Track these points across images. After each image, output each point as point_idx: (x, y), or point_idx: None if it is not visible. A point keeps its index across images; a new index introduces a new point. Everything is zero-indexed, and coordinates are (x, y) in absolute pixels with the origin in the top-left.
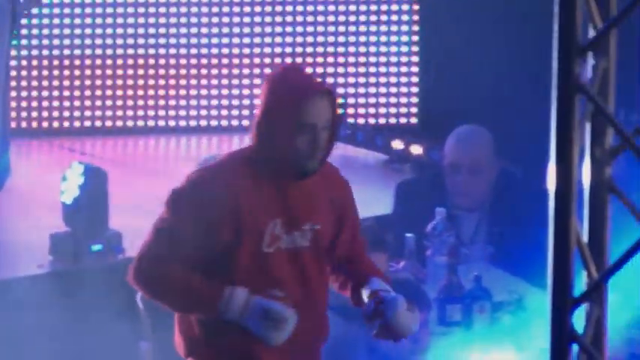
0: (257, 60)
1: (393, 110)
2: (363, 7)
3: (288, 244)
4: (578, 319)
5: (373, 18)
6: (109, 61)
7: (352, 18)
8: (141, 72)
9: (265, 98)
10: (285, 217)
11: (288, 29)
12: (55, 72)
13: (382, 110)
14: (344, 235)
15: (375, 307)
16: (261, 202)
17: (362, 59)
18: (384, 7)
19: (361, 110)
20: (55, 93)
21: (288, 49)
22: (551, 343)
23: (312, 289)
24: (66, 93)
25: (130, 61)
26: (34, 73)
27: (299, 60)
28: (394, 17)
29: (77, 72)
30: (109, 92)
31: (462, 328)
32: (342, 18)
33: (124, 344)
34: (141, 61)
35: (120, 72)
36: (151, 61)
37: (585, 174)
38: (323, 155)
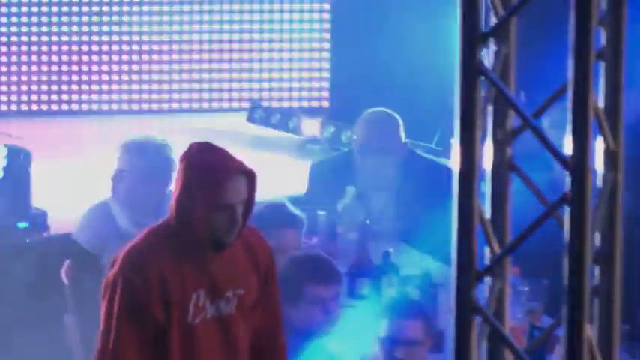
0: (176, 47)
1: (305, 94)
2: None
3: (213, 312)
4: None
5: (286, 5)
6: (34, 47)
7: (266, 6)
8: (65, 58)
9: (183, 178)
10: (207, 287)
11: (206, 17)
12: None
13: (295, 94)
14: (265, 298)
15: None
16: (184, 276)
17: (276, 45)
18: None
19: (275, 94)
20: None
21: (206, 36)
22: (455, 315)
23: (240, 351)
24: None
25: (55, 48)
26: None
27: (216, 44)
28: (306, 5)
29: (3, 58)
30: (34, 77)
31: (372, 301)
32: (256, 6)
33: (48, 318)
34: (65, 48)
35: (45, 57)
36: (74, 48)
37: (487, 154)
38: (240, 228)
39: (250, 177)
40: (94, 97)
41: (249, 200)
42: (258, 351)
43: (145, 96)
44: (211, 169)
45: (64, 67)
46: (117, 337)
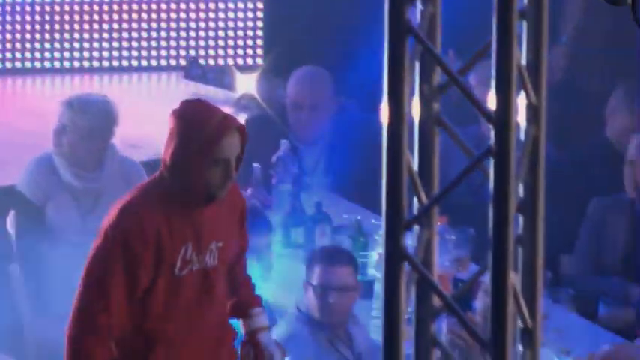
0: (116, 7)
1: (240, 51)
2: None
3: (198, 265)
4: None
5: None
6: None
7: None
8: (18, 18)
9: (179, 134)
10: (194, 240)
11: None
12: None
13: (230, 52)
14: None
15: (255, 356)
16: (174, 230)
17: (212, 5)
18: None
19: (211, 52)
20: None
21: None
22: (385, 263)
23: (220, 302)
24: None
25: (8, 8)
26: None
27: (154, 3)
28: None
29: None
30: None
31: (305, 250)
32: None
33: None
34: (18, 8)
35: None
36: (28, 8)
37: (415, 109)
38: (231, 183)
39: (242, 132)
40: (37, 54)
41: (240, 155)
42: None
43: (86, 54)
44: (208, 125)
45: (18, 27)
46: (108, 285)
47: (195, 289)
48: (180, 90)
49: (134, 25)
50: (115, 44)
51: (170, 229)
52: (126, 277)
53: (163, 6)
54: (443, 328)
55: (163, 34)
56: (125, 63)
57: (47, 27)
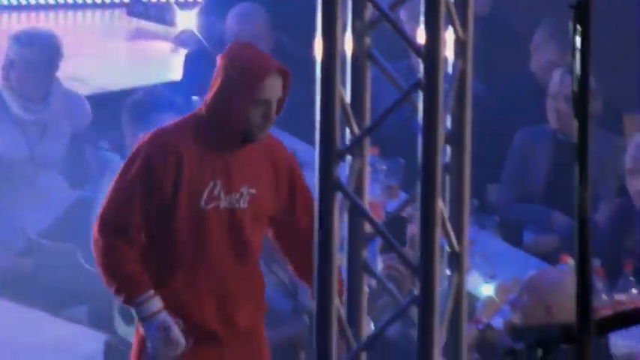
0: None
1: None
2: None
3: (226, 204)
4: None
5: None
6: None
7: None
8: None
9: (224, 74)
10: (224, 179)
11: None
12: None
13: None
14: (296, 199)
15: None
16: (203, 164)
17: None
18: None
19: None
20: None
21: None
22: (318, 191)
23: (247, 248)
24: None
25: None
26: None
27: None
28: None
29: None
30: None
31: None
32: None
33: None
34: None
35: None
36: None
37: (347, 44)
38: (270, 125)
39: (285, 77)
40: None
41: (282, 99)
42: (301, 245)
43: None
44: (253, 66)
45: None
46: (127, 192)
47: (220, 226)
48: (123, 26)
49: None
50: None
51: (199, 161)
52: (144, 193)
53: None
54: (379, 264)
55: None
56: (70, 0)
57: None
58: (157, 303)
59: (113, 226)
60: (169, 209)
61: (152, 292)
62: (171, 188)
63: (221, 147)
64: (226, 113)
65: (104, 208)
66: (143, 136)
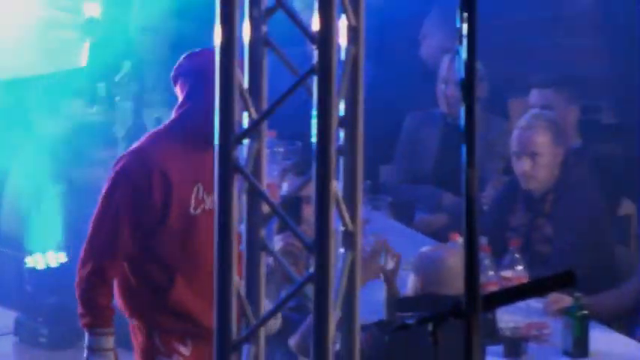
0: None
1: None
2: None
3: (209, 204)
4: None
5: None
6: None
7: None
8: None
9: (190, 78)
10: (204, 179)
11: None
12: None
13: None
14: None
15: None
16: (185, 170)
17: None
18: None
19: None
20: None
21: None
22: (218, 174)
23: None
24: None
25: None
26: None
27: None
28: None
29: None
30: None
31: None
32: None
33: None
34: None
35: None
36: None
37: (245, 31)
38: None
39: None
40: None
41: None
42: None
43: None
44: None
45: None
46: (114, 222)
47: (209, 228)
48: (29, 14)
49: None
50: None
51: (180, 168)
52: (131, 218)
53: None
54: (278, 242)
55: None
56: None
57: None
58: (111, 342)
59: (100, 256)
60: (160, 223)
61: (112, 330)
62: (160, 203)
63: (197, 149)
64: (202, 110)
65: (91, 237)
66: (120, 158)
